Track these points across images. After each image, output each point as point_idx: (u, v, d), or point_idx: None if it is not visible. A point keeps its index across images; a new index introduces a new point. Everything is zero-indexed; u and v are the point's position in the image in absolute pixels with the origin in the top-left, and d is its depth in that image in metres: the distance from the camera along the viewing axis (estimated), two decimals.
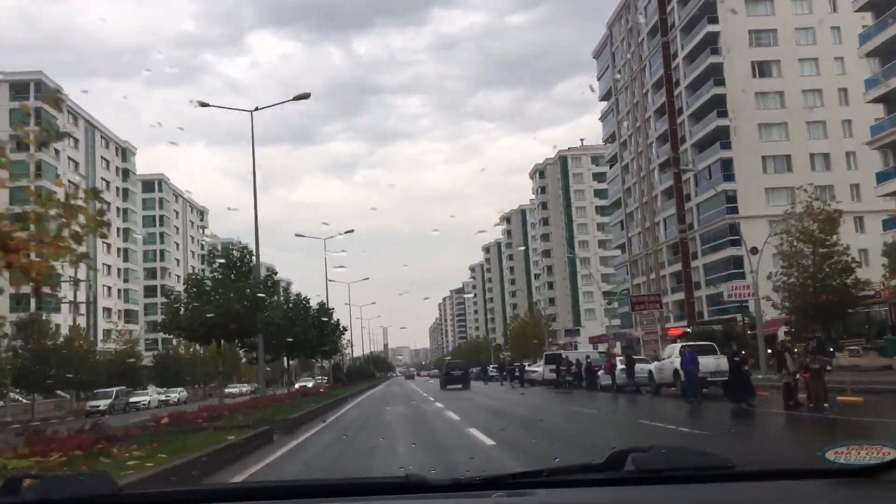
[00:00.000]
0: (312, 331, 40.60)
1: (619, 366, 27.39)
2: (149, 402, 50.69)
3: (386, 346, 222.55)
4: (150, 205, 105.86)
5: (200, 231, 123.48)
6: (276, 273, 41.62)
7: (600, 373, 30.44)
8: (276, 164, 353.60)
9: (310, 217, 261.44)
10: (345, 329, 41.69)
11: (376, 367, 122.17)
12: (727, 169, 58.18)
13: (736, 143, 57.91)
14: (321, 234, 67.27)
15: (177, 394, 57.85)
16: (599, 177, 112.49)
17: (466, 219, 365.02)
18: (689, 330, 50.13)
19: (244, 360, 47.83)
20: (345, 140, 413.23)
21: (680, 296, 65.59)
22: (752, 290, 38.13)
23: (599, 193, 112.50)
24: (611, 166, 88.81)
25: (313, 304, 44.82)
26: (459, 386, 43.48)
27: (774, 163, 58.65)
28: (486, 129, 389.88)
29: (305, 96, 30.09)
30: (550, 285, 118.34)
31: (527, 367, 48.82)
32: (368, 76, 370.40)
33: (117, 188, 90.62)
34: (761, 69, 59.68)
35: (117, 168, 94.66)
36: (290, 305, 40.58)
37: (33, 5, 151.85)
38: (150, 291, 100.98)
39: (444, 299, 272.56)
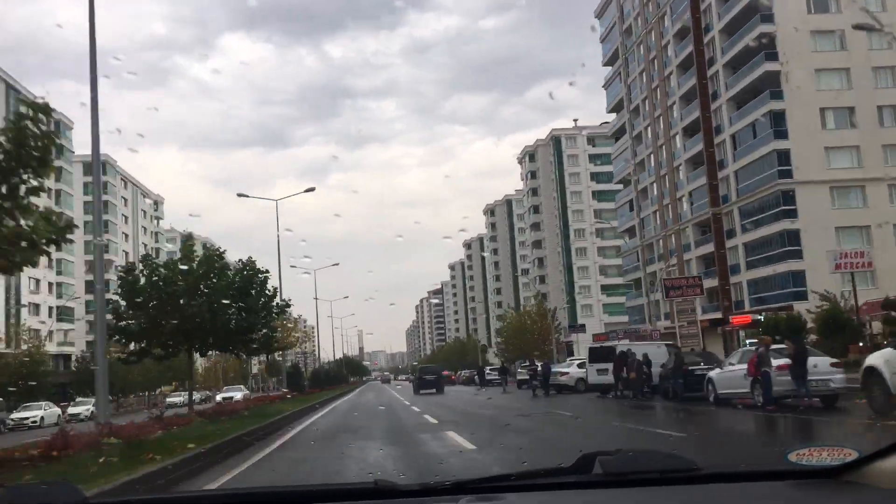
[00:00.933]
0: (230, 307, 21.76)
1: (776, 362, 16.09)
2: (41, 417, 39.48)
3: (361, 349, 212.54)
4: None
5: (155, 222, 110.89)
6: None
7: (716, 374, 19.23)
8: (248, 167, 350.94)
9: (283, 222, 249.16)
10: (288, 305, 27.49)
11: (350, 372, 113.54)
12: (778, 123, 47.61)
13: (788, 93, 47.26)
14: (309, 266, 64.04)
15: (85, 408, 43.17)
16: (597, 159, 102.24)
17: (439, 223, 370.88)
18: (760, 318, 39.22)
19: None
20: (318, 144, 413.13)
21: (711, 282, 54.82)
22: (868, 259, 27.53)
23: (597, 177, 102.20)
24: (616, 139, 78.06)
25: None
26: (433, 391, 42.03)
27: (835, 116, 48.11)
28: (459, 133, 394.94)
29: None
30: (542, 279, 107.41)
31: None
32: (342, 79, 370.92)
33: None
34: (816, 3, 49.29)
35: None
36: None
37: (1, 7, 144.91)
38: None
39: (421, 301, 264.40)
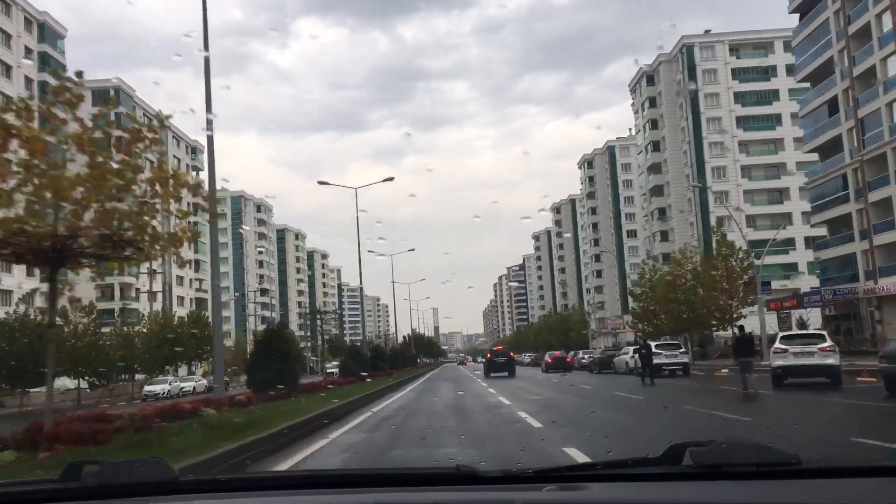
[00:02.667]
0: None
1: None
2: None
3: (436, 329, 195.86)
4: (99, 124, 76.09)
5: (195, 173, 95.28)
6: None
7: None
8: (322, 151, 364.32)
9: (360, 204, 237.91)
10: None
11: (421, 352, 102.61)
12: None
13: None
14: (385, 250, 65.68)
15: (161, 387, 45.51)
16: (743, 74, 78.76)
17: (513, 205, 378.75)
18: None
19: None
20: (391, 127, 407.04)
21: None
22: None
23: (742, 98, 78.70)
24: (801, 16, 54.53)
25: None
26: (505, 374, 41.75)
27: None
28: (532, 114, 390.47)
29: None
30: (665, 235, 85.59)
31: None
32: (414, 62, 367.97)
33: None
34: None
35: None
36: None
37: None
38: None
39: (499, 278, 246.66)
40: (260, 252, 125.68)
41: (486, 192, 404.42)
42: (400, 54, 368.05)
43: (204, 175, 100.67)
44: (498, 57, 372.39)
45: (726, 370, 30.97)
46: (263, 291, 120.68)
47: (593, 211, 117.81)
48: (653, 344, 30.53)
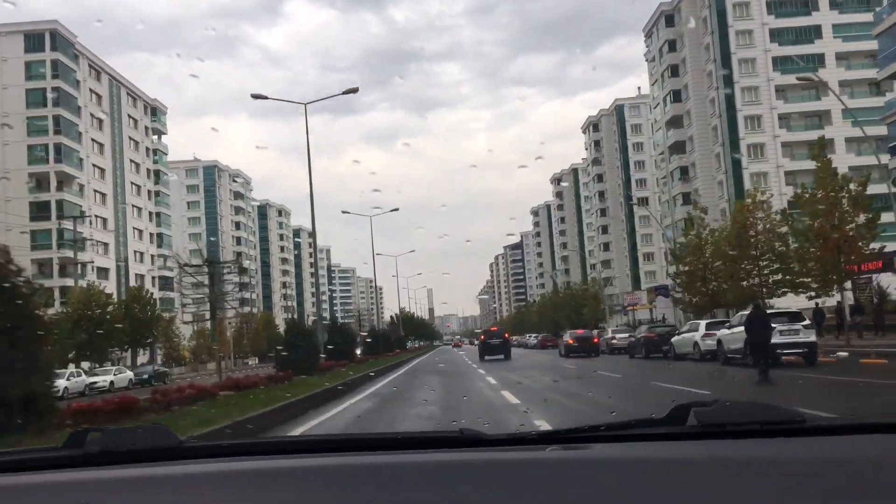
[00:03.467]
0: None
1: None
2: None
3: (431, 310, 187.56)
4: (37, 71, 63.25)
5: (152, 137, 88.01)
6: None
7: None
8: (317, 134, 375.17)
9: (353, 187, 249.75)
10: None
11: (411, 334, 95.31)
12: None
13: None
14: (368, 212, 60.94)
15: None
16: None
17: (507, 186, 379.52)
18: None
19: None
20: (385, 109, 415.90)
21: None
22: None
23: (778, 35, 68.22)
24: None
25: None
26: (501, 356, 39.47)
27: None
28: (526, 95, 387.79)
29: (354, 90, 32.16)
30: (686, 198, 75.02)
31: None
32: (406, 43, 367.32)
33: None
34: None
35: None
36: None
37: None
38: (39, 210, 63.56)
39: (496, 258, 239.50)
40: (236, 227, 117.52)
41: (481, 173, 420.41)
42: (392, 36, 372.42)
43: (167, 139, 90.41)
44: (491, 38, 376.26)
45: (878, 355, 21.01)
46: (242, 270, 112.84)
47: (599, 178, 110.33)
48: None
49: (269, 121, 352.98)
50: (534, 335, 78.05)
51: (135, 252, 79.71)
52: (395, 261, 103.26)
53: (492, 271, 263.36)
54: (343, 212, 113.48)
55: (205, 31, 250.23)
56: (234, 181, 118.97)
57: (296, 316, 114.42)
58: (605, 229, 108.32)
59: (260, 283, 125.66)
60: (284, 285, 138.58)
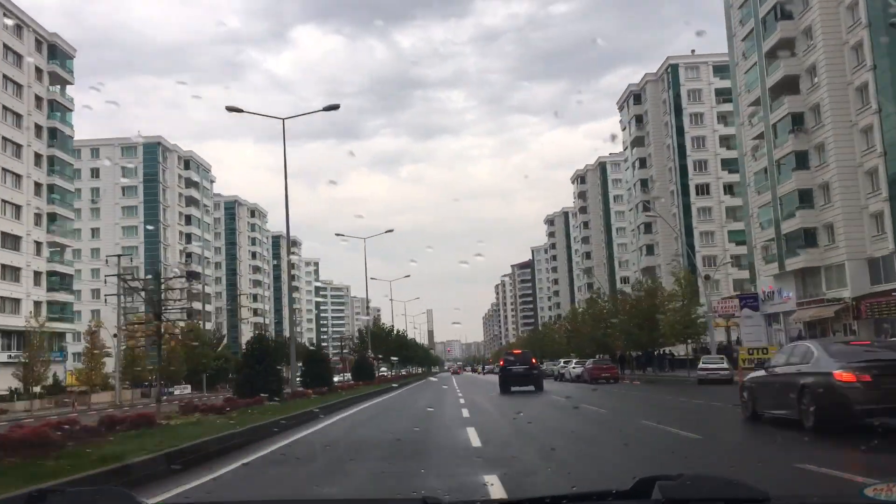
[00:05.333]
0: None
1: None
2: None
3: (430, 333, 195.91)
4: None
5: (48, 84, 72.24)
6: None
7: None
8: (321, 159, 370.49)
9: (355, 211, 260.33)
10: None
11: (395, 356, 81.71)
12: None
13: None
14: (362, 233, 58.93)
15: None
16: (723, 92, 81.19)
17: (510, 214, 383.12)
18: None
19: None
20: (389, 135, 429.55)
21: None
22: None
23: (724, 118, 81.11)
24: None
25: None
26: (531, 388, 32.27)
27: None
28: (530, 123, 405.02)
29: (335, 107, 32.33)
30: (650, 249, 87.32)
31: None
32: (411, 70, 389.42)
33: None
34: None
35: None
36: None
37: (80, 3, 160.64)
38: None
39: (502, 279, 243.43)
40: (187, 222, 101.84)
41: (484, 201, 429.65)
42: (397, 63, 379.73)
43: (71, 91, 71.35)
44: (495, 66, 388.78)
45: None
46: (192, 275, 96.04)
47: (585, 225, 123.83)
48: None
49: (276, 145, 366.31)
50: (575, 361, 55.56)
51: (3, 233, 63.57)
52: (390, 285, 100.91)
53: (497, 293, 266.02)
54: (336, 234, 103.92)
55: (211, 57, 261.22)
56: (187, 167, 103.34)
57: (272, 334, 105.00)
58: (588, 272, 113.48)
59: (224, 294, 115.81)
60: (255, 298, 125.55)
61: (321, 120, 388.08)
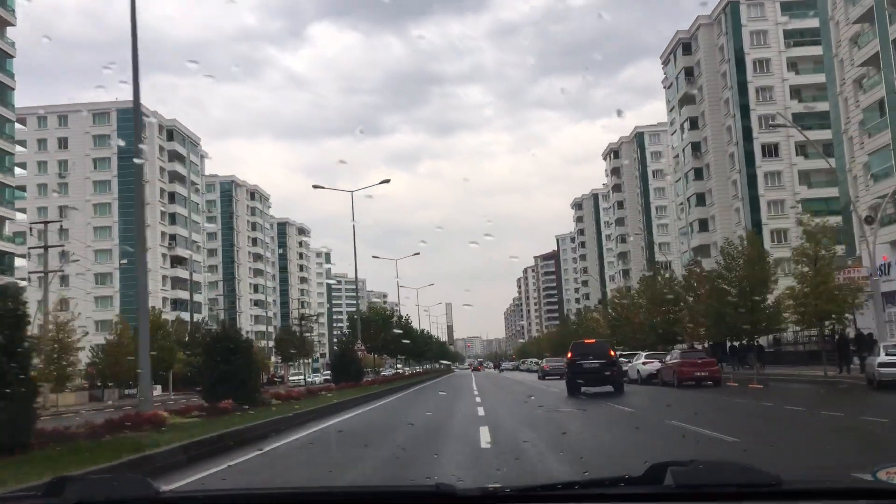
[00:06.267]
0: None
1: None
2: None
3: (450, 327, 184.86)
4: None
5: None
6: None
7: None
8: (339, 156, 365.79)
9: (375, 209, 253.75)
10: None
11: (399, 351, 66.70)
12: None
13: None
14: (394, 255, 46.42)
15: None
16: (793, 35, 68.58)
17: (530, 209, 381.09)
18: None
19: None
20: (407, 132, 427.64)
21: None
22: None
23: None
24: None
25: None
26: (608, 388, 26.27)
27: None
28: (548, 118, 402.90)
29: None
30: (703, 224, 74.76)
31: None
32: (428, 65, 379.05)
33: None
34: None
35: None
36: None
37: (98, 2, 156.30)
38: None
39: (524, 271, 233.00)
40: (170, 200, 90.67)
41: (503, 196, 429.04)
42: (414, 58, 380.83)
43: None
44: (513, 61, 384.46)
45: None
46: (177, 260, 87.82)
47: (620, 205, 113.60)
48: None
49: (294, 142, 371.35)
50: (645, 355, 39.21)
51: None
52: (416, 292, 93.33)
53: (519, 287, 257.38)
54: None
55: (230, 54, 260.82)
56: (170, 138, 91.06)
57: (276, 328, 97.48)
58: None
59: (222, 284, 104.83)
60: (256, 288, 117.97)
61: (338, 116, 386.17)
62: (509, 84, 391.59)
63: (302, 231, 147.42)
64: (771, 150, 68.64)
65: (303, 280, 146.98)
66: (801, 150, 68.04)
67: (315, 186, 54.60)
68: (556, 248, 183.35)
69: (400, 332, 48.29)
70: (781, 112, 68.32)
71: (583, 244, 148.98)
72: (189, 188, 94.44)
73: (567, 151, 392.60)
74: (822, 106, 67.76)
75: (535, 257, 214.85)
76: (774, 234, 66.22)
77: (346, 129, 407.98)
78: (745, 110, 69.26)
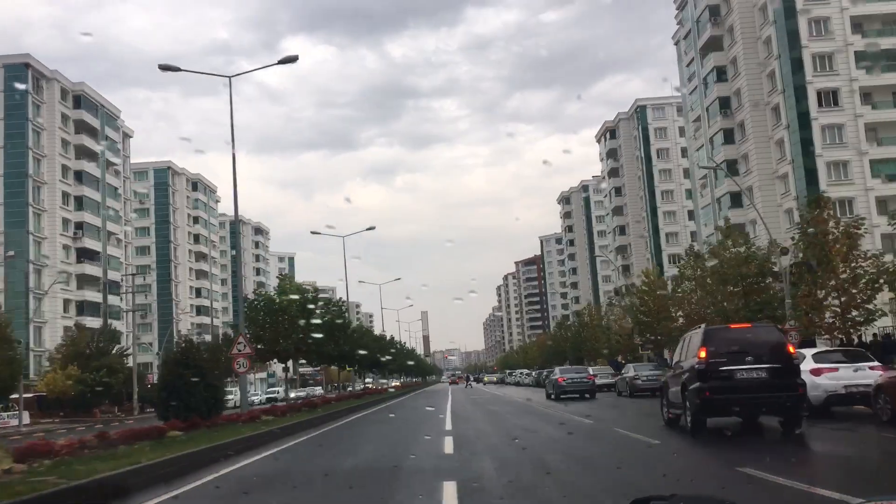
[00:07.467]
0: None
1: None
2: None
3: (426, 338, 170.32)
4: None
5: None
6: None
7: None
8: (315, 170, 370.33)
9: (352, 222, 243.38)
10: None
11: (362, 363, 54.80)
12: None
13: None
14: (340, 232, 47.11)
15: None
16: None
17: (508, 222, 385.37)
18: None
19: None
20: (382, 145, 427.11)
21: None
22: None
23: None
24: None
25: None
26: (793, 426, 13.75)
27: None
28: (524, 131, 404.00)
29: (293, 58, 25.59)
30: (736, 199, 60.56)
31: None
32: (404, 79, 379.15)
33: None
34: None
35: None
36: None
37: (70, 16, 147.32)
38: None
39: (505, 278, 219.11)
40: (76, 179, 73.34)
41: (480, 209, 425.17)
42: (389, 72, 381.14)
43: None
44: (487, 74, 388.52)
45: None
46: (86, 253, 71.19)
47: (618, 192, 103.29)
48: None
49: (268, 156, 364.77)
50: (812, 354, 19.37)
51: None
52: (379, 288, 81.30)
53: (499, 295, 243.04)
54: (312, 232, 70.25)
55: (204, 68, 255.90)
56: (77, 105, 74.26)
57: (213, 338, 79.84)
58: (574, 285, 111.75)
59: (155, 287, 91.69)
60: (199, 292, 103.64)
61: (313, 130, 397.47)
62: (484, 97, 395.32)
63: (259, 231, 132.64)
64: (829, 99, 53.91)
65: (260, 285, 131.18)
66: (867, 97, 53.53)
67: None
68: (541, 250, 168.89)
69: (316, 324, 27.80)
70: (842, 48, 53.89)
71: (571, 242, 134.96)
72: (103, 167, 77.07)
73: (542, 164, 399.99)
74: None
75: (516, 262, 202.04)
76: (838, 204, 51.24)
77: (321, 142, 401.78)
78: (793, 46, 54.59)
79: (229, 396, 62.44)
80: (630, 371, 32.37)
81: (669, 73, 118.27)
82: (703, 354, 13.17)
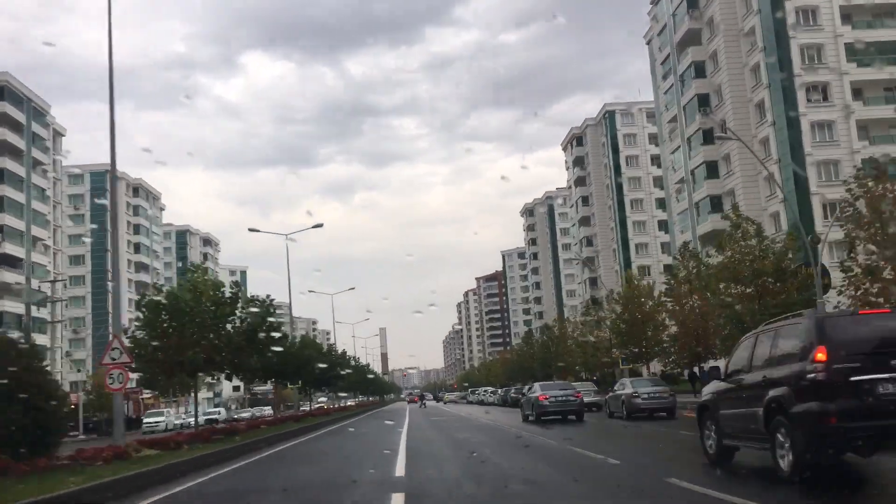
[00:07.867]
0: None
1: None
2: None
3: (384, 355, 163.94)
4: None
5: None
6: None
7: None
8: (273, 186, 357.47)
9: (310, 241, 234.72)
10: None
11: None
12: None
13: None
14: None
15: None
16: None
17: (466, 241, 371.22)
18: None
19: None
20: (341, 163, 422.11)
21: None
22: None
23: None
24: None
25: None
26: None
27: None
28: (483, 150, 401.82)
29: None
30: (716, 202, 56.60)
31: None
32: (363, 97, 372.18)
33: None
34: None
35: None
36: None
37: (20, 26, 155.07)
38: None
39: (465, 295, 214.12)
40: None
41: (439, 227, 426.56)
42: (349, 89, 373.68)
43: None
44: (447, 94, 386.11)
45: None
46: (5, 260, 65.35)
47: (584, 201, 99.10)
48: None
49: (225, 172, 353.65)
50: None
51: None
52: (332, 299, 75.62)
53: (460, 312, 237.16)
54: (250, 230, 63.69)
55: (158, 82, 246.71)
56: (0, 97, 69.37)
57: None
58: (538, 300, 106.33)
59: (89, 299, 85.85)
60: (139, 305, 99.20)
61: (271, 146, 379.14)
62: (443, 116, 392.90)
63: (208, 242, 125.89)
64: (819, 93, 50.12)
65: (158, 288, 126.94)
66: (858, 93, 49.89)
67: (251, 230, 54.92)
68: (503, 265, 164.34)
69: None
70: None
71: (535, 256, 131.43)
72: (28, 166, 70.71)
73: (501, 183, 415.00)
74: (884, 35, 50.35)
75: (477, 278, 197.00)
76: (828, 207, 47.22)
77: (280, 158, 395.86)
78: (780, 37, 50.78)
79: (158, 419, 57.29)
80: (626, 387, 26.82)
81: (627, 94, 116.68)
82: (821, 356, 8.22)
